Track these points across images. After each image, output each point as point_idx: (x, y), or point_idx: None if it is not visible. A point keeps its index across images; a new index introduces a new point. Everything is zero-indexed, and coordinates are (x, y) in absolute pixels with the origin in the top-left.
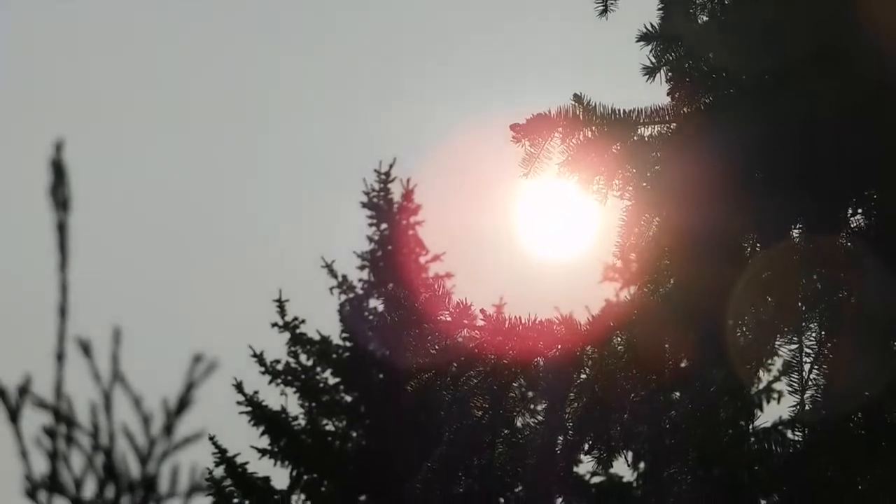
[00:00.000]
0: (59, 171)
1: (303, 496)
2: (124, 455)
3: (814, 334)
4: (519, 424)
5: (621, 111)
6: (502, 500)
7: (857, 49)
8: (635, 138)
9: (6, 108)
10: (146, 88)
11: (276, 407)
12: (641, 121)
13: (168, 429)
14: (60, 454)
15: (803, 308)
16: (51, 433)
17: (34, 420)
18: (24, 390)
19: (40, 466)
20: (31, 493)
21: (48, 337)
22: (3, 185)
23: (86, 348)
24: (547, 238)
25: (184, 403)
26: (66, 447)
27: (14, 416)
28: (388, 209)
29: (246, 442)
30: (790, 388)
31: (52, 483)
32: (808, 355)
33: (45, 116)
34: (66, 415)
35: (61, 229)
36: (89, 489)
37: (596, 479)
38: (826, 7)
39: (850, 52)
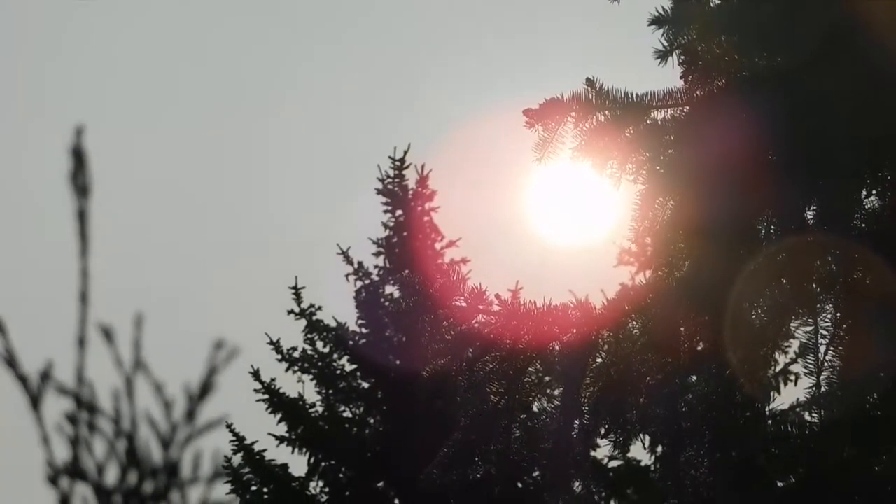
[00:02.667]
0: (79, 158)
1: (321, 483)
2: (147, 441)
3: (829, 316)
4: (535, 409)
5: (634, 95)
6: (519, 484)
7: (870, 32)
8: (648, 122)
9: (26, 98)
10: (166, 77)
11: (293, 394)
12: (654, 104)
13: (190, 414)
14: (82, 440)
15: (818, 290)
16: (73, 419)
17: (56, 406)
18: (45, 376)
19: (62, 453)
20: (54, 479)
21: (70, 323)
22: (23, 172)
23: (108, 334)
24: (562, 222)
25: (206, 388)
26: (88, 433)
27: (36, 402)
28: (403, 195)
29: (264, 429)
30: (806, 370)
31: (74, 469)
32: (823, 337)
33: (69, 103)
34: (87, 401)
35: (81, 216)
36: (111, 475)
37: (613, 463)
38: None
39: (863, 36)
